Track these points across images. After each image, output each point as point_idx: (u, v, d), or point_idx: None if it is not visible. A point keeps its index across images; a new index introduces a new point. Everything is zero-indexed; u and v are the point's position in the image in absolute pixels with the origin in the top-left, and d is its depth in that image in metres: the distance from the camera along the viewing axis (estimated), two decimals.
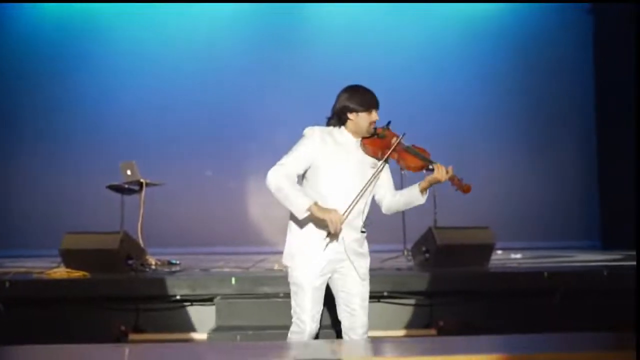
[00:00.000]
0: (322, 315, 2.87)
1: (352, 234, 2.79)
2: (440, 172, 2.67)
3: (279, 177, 2.70)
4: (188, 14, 7.68)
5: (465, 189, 2.65)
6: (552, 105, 7.75)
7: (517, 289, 4.27)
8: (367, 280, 2.87)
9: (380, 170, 2.76)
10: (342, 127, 2.78)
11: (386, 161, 2.76)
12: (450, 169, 2.68)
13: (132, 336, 4.06)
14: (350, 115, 2.75)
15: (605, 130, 7.58)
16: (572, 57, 7.72)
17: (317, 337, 2.84)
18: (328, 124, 2.80)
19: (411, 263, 5.41)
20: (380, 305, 4.17)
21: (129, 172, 5.67)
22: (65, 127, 7.74)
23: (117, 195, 5.86)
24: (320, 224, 2.69)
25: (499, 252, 6.48)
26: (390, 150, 2.70)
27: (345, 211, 2.68)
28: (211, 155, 7.88)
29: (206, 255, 6.65)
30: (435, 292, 4.26)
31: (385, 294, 4.20)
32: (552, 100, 7.75)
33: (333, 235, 2.68)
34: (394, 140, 2.72)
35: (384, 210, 2.87)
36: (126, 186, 5.71)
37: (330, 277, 2.83)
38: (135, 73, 7.64)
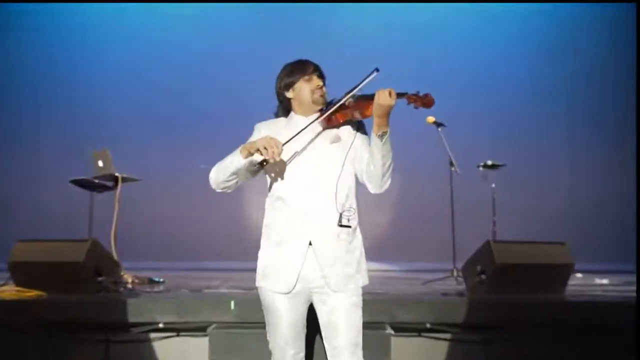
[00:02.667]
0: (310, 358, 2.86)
1: (324, 232, 2.72)
2: (382, 96, 2.59)
3: (213, 169, 2.85)
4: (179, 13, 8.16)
5: (427, 102, 2.58)
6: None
7: (603, 324, 4.23)
8: (359, 304, 2.78)
9: (353, 141, 2.79)
10: (292, 113, 2.90)
11: (352, 130, 2.80)
12: (392, 90, 2.61)
13: None
14: (288, 94, 2.87)
15: None
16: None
17: None
18: (278, 116, 2.95)
19: (462, 287, 5.47)
20: (420, 341, 4.17)
21: (100, 164, 5.72)
22: (22, 108, 8.06)
23: (85, 193, 5.91)
24: (295, 222, 2.71)
25: (579, 275, 6.51)
26: (337, 106, 2.73)
27: (286, 142, 2.68)
28: (204, 144, 7.81)
29: (197, 272, 6.74)
30: (492, 325, 4.24)
31: (428, 326, 4.19)
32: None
33: (266, 164, 2.68)
34: (344, 100, 2.75)
35: (369, 187, 2.80)
36: (97, 181, 5.79)
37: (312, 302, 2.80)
38: (108, 58, 8.08)
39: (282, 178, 2.78)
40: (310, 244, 2.71)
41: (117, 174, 5.67)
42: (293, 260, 2.72)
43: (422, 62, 7.78)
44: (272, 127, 2.87)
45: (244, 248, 7.50)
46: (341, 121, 2.78)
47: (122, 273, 5.27)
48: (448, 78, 7.77)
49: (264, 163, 2.66)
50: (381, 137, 2.66)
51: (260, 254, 2.83)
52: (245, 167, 2.75)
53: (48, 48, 8.07)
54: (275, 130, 2.80)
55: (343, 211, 2.74)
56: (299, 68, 2.86)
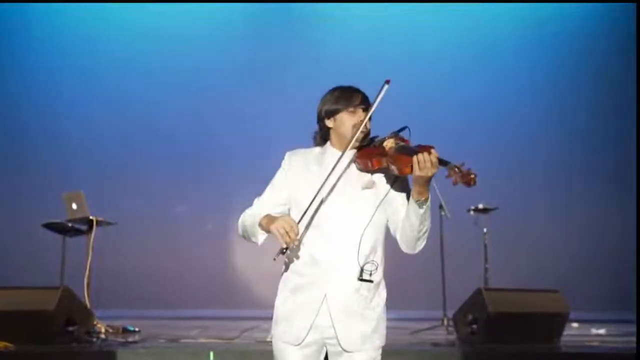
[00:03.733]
0: None
1: (342, 284, 2.65)
2: (423, 164, 2.49)
3: (244, 215, 2.80)
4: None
5: (467, 180, 2.45)
6: None
7: None
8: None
9: (388, 191, 2.72)
10: (327, 143, 2.83)
11: (391, 177, 2.71)
12: (433, 152, 2.52)
13: None
14: (328, 123, 2.79)
15: None
16: None
17: None
18: (315, 144, 2.88)
19: (453, 336, 5.51)
20: None
21: (74, 206, 5.75)
22: None
23: (57, 238, 5.94)
24: (313, 270, 2.67)
25: (575, 325, 6.59)
26: (378, 156, 2.66)
27: (301, 218, 2.63)
28: (184, 185, 8.00)
29: (175, 321, 6.75)
30: None
31: None
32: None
33: (286, 251, 2.62)
34: (388, 143, 2.69)
35: (402, 246, 2.75)
36: (70, 225, 5.82)
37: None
38: (82, 86, 8.11)
39: (305, 220, 2.69)
40: (325, 295, 2.65)
41: (91, 217, 5.70)
42: (306, 310, 2.66)
43: (410, 95, 7.73)
44: (303, 157, 2.81)
45: (224, 296, 7.67)
46: (376, 167, 2.68)
47: (95, 322, 5.30)
48: (439, 114, 7.85)
49: (284, 251, 2.61)
50: (420, 204, 2.60)
51: (277, 299, 2.77)
52: None
53: (18, 86, 8.14)
54: (305, 163, 2.79)
55: (365, 264, 2.66)
56: (344, 97, 2.77)
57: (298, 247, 2.68)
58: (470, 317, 5.16)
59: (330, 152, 2.78)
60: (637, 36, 6.84)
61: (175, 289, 7.68)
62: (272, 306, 2.72)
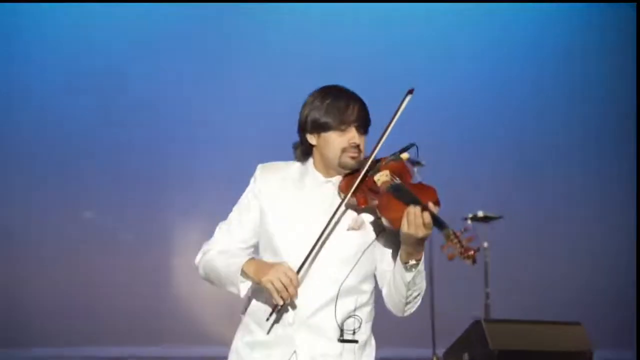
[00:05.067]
0: None
1: (317, 345, 2.61)
2: (412, 220, 2.42)
3: (208, 254, 2.71)
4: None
5: (466, 256, 2.39)
6: None
7: None
8: None
9: (379, 235, 2.62)
10: (310, 162, 2.74)
11: (375, 215, 2.61)
12: (431, 207, 2.44)
13: None
14: (311, 139, 2.67)
15: None
16: None
17: None
18: (295, 158, 2.81)
19: None
20: None
21: None
22: None
23: None
24: (282, 320, 2.62)
25: None
26: (367, 192, 2.58)
27: (300, 267, 2.54)
28: (97, 186, 7.75)
29: None
30: None
31: None
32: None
33: (282, 309, 2.57)
34: (382, 176, 2.62)
35: (387, 306, 2.68)
36: None
37: None
38: None
39: (275, 255, 2.64)
40: (294, 352, 2.59)
41: None
42: None
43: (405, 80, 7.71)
44: (279, 176, 2.72)
45: (158, 330, 7.35)
46: (363, 206, 2.61)
47: None
48: (428, 103, 7.63)
49: (280, 308, 2.55)
50: (409, 267, 2.52)
51: (232, 348, 2.74)
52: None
53: None
54: (281, 184, 2.70)
55: (346, 320, 2.60)
56: (335, 108, 2.62)
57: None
58: (466, 356, 5.15)
59: (312, 176, 2.71)
60: (637, 36, 7.28)
61: (87, 319, 7.28)
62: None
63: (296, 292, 2.50)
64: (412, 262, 2.51)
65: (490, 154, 7.85)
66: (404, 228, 2.42)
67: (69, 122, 7.90)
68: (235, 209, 2.76)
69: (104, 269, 7.52)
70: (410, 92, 2.60)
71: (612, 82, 8.40)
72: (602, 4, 8.47)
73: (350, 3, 8.45)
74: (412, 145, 2.67)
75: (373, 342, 2.72)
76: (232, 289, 2.63)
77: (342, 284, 2.59)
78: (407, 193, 2.51)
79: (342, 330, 2.60)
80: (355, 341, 2.62)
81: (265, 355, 2.64)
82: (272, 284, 2.48)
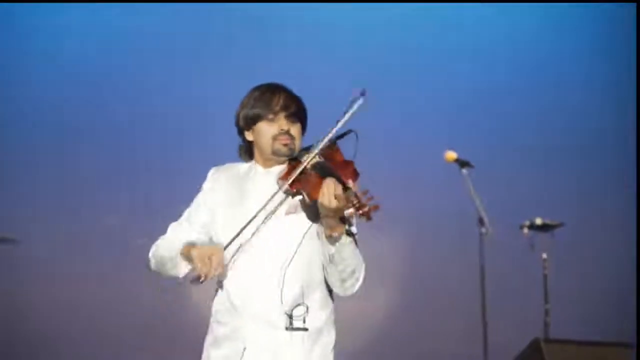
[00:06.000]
0: None
1: (265, 335, 2.82)
2: (324, 190, 2.62)
3: (157, 246, 3.01)
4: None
5: (362, 212, 2.57)
6: None
7: None
8: None
9: (317, 216, 2.76)
10: (253, 160, 3.05)
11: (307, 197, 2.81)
12: (351, 183, 2.62)
13: None
14: (248, 135, 2.99)
15: None
16: None
17: None
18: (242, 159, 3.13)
19: None
20: None
21: None
22: None
23: None
24: (232, 316, 2.85)
25: None
26: (298, 175, 2.79)
27: (228, 244, 2.79)
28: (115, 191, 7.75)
29: None
30: None
31: None
32: None
33: (203, 281, 2.76)
34: (311, 157, 2.82)
35: (329, 285, 2.91)
36: None
37: None
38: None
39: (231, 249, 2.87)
40: (244, 349, 2.79)
41: None
42: None
43: (440, 77, 7.96)
44: (227, 175, 3.03)
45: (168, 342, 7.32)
46: (295, 189, 2.82)
47: None
48: (473, 99, 7.80)
49: (200, 280, 2.76)
50: (331, 240, 2.70)
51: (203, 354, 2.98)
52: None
53: None
54: (229, 181, 3.00)
55: (294, 308, 2.78)
56: (262, 100, 2.94)
57: (220, 289, 2.90)
58: None
59: (256, 170, 3.00)
60: (637, 36, 7.49)
61: (105, 338, 7.33)
62: None
63: (219, 266, 2.71)
64: (335, 234, 2.65)
65: (550, 157, 7.79)
66: (320, 199, 2.60)
67: (92, 125, 7.90)
68: (187, 209, 3.04)
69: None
70: (362, 94, 2.78)
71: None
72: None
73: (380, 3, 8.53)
74: (349, 131, 2.84)
75: (333, 333, 2.87)
76: (173, 272, 2.93)
77: (286, 269, 2.78)
78: (327, 169, 2.72)
79: (290, 318, 2.77)
80: (305, 329, 2.78)
81: (222, 349, 2.84)
82: (196, 254, 2.72)
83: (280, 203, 2.85)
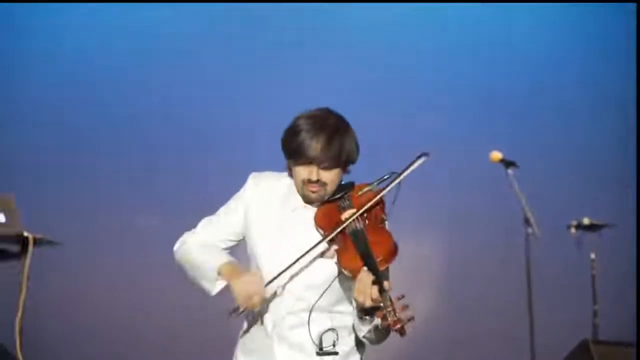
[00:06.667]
0: None
1: (293, 358, 2.85)
2: (360, 289, 2.61)
3: (187, 243, 2.96)
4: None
5: (397, 328, 2.54)
6: None
7: None
8: None
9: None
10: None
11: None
12: (387, 284, 2.60)
13: None
14: (288, 163, 2.95)
15: None
16: None
17: None
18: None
19: None
20: None
21: (1, 218, 5.49)
22: None
23: None
24: (262, 333, 2.87)
25: None
26: (334, 225, 2.79)
27: (269, 282, 2.78)
28: (157, 192, 7.80)
29: None
30: None
31: None
32: None
33: (242, 313, 2.80)
34: (348, 212, 2.82)
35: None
36: None
37: None
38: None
39: (254, 263, 2.90)
40: None
41: (26, 234, 5.41)
42: None
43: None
44: (270, 187, 2.98)
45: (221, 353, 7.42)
46: (329, 239, 2.81)
47: None
48: (530, 101, 7.76)
49: (240, 312, 2.79)
50: (365, 321, 2.71)
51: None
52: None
53: None
54: (270, 196, 2.95)
55: (323, 334, 2.82)
56: (297, 144, 2.84)
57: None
58: None
59: (295, 198, 2.94)
60: (637, 36, 7.57)
61: (144, 341, 7.37)
62: None
63: (259, 303, 2.74)
64: (366, 317, 2.68)
65: (600, 155, 7.71)
66: (354, 294, 2.63)
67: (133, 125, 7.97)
68: (222, 208, 3.00)
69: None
70: (424, 155, 2.80)
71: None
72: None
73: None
74: (392, 174, 2.82)
75: (357, 351, 2.88)
76: (205, 285, 2.87)
77: (312, 307, 2.80)
78: (363, 243, 2.71)
79: (320, 342, 2.81)
80: (335, 353, 2.81)
81: (252, 359, 2.88)
82: (240, 291, 2.72)
83: (317, 244, 2.82)
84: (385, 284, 2.59)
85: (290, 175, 2.95)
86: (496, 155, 5.64)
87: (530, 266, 5.96)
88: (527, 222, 5.72)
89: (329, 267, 2.82)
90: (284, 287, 2.85)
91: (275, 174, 3.03)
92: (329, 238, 2.79)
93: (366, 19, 8.52)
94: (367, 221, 2.82)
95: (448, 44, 8.51)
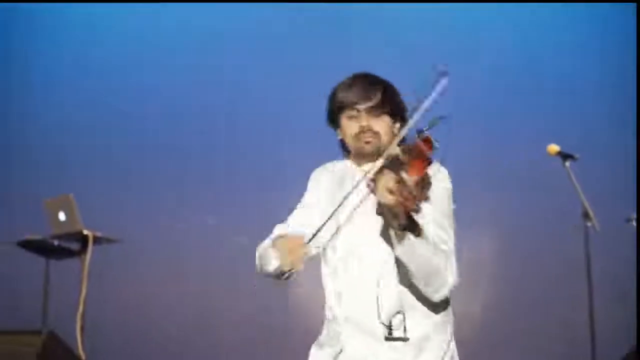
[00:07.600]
0: None
1: (364, 343, 2.71)
2: (378, 185, 2.41)
3: (261, 244, 2.86)
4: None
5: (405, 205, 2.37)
6: None
7: None
8: None
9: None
10: (349, 158, 2.95)
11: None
12: (406, 176, 2.37)
13: None
14: (337, 132, 2.89)
15: None
16: None
17: None
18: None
19: None
20: None
21: (61, 217, 5.69)
22: None
23: (37, 261, 5.86)
24: (333, 321, 2.80)
25: None
26: (374, 171, 2.51)
27: (312, 237, 2.62)
28: (215, 191, 7.85)
29: None
30: None
31: None
32: None
33: (287, 275, 2.66)
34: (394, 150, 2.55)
35: None
36: (56, 242, 5.77)
37: None
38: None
39: (333, 242, 2.82)
40: (341, 350, 2.73)
41: (86, 232, 5.63)
42: None
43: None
44: (329, 175, 2.97)
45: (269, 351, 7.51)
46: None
47: None
48: (591, 92, 7.81)
49: (284, 276, 2.69)
50: (397, 237, 2.52)
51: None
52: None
53: None
54: (331, 182, 2.93)
55: (393, 317, 2.66)
56: (340, 95, 2.80)
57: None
58: None
59: (349, 170, 2.89)
60: (638, 36, 7.61)
61: (201, 337, 7.48)
62: None
63: (301, 261, 2.56)
64: (392, 233, 2.50)
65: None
66: (377, 195, 2.43)
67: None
68: (295, 209, 2.96)
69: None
70: (444, 73, 2.47)
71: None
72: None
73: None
74: (437, 120, 2.51)
75: (445, 341, 2.70)
76: (268, 267, 2.70)
77: (381, 275, 2.66)
78: (395, 163, 2.45)
79: (390, 327, 2.65)
80: (405, 339, 2.65)
81: (323, 352, 2.79)
82: (279, 246, 2.61)
83: (364, 200, 2.66)
84: (406, 176, 2.39)
85: (347, 156, 2.90)
86: (553, 148, 5.59)
87: (590, 263, 5.86)
88: (585, 215, 5.63)
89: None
90: (343, 256, 2.78)
91: (331, 162, 3.00)
92: (369, 176, 2.52)
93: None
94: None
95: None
